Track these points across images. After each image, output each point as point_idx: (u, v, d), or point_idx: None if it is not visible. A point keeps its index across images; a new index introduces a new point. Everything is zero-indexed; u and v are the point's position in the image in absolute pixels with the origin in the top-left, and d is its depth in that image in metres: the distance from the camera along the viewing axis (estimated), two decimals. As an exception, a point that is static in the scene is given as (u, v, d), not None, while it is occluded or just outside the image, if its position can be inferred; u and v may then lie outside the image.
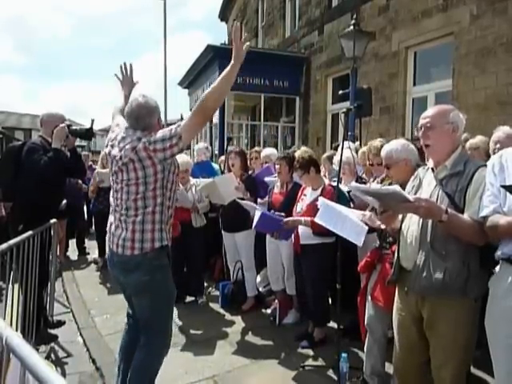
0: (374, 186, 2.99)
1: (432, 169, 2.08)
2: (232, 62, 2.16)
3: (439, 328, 1.98)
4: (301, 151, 3.68)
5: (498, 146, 2.92)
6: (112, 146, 2.36)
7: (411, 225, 2.06)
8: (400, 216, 2.14)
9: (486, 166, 1.93)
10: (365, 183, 3.54)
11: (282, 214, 3.65)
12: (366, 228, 2.59)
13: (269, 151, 5.03)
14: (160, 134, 2.19)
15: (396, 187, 1.89)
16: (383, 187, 2.27)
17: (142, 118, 2.29)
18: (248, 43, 2.16)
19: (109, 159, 2.38)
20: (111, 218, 2.40)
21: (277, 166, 3.96)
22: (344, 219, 2.69)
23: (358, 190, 2.23)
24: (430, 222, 1.95)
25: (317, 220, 2.89)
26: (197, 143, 11.65)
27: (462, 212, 1.89)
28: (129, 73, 2.80)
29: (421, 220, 1.99)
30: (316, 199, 3.39)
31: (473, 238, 1.86)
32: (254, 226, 3.58)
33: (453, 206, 1.90)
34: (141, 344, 2.42)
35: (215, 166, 5.76)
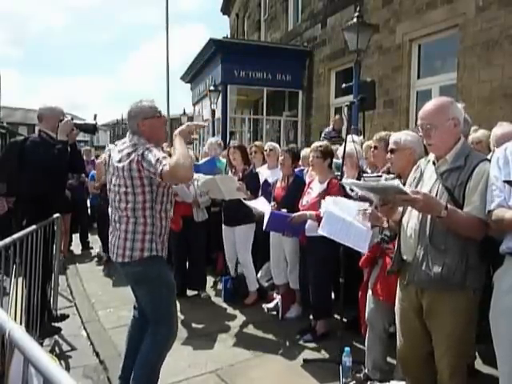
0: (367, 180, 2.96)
1: (433, 162, 2.07)
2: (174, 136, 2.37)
3: (438, 319, 1.99)
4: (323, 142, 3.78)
5: (494, 148, 2.89)
6: (113, 149, 2.48)
7: (411, 218, 2.06)
8: (400, 208, 2.14)
9: (487, 160, 1.92)
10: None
11: (284, 210, 3.65)
12: (371, 232, 2.58)
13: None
14: (152, 157, 2.23)
15: (395, 181, 1.88)
16: (381, 182, 2.25)
17: (128, 121, 2.46)
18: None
19: (108, 160, 2.50)
20: (110, 225, 2.50)
21: (280, 158, 3.96)
22: (348, 225, 2.68)
23: (355, 186, 2.22)
24: (429, 216, 1.95)
25: (320, 232, 2.89)
26: (203, 140, 11.67)
27: (461, 206, 1.88)
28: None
29: (420, 214, 1.99)
30: (322, 193, 3.38)
31: (471, 233, 1.85)
32: (265, 226, 3.59)
33: (452, 201, 1.89)
34: (148, 332, 2.47)
35: (223, 160, 5.70)
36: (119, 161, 2.32)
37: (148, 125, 2.39)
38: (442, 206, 1.81)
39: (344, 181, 3.03)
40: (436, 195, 1.93)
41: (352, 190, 3.48)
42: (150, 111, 2.42)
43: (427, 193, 1.90)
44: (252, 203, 3.84)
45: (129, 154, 2.29)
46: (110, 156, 2.48)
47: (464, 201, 1.89)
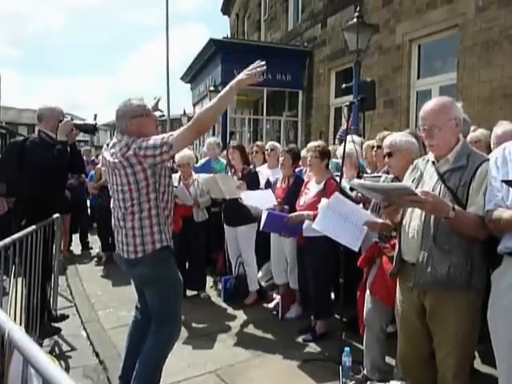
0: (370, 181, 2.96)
1: (433, 162, 2.06)
2: (233, 83, 2.21)
3: (442, 320, 1.98)
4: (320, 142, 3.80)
5: (494, 146, 2.89)
6: (105, 150, 2.45)
7: (413, 219, 2.04)
8: (401, 209, 2.13)
9: (489, 160, 1.91)
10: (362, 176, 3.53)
11: (286, 207, 3.65)
12: (365, 232, 2.59)
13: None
14: (152, 140, 2.23)
15: (406, 183, 1.88)
16: (391, 183, 2.25)
17: (116, 121, 2.41)
18: (259, 79, 2.21)
19: (104, 162, 2.46)
20: (113, 224, 2.49)
21: (281, 159, 3.96)
22: (343, 222, 2.68)
23: (361, 187, 2.21)
24: (432, 217, 1.94)
25: (313, 226, 2.89)
26: (203, 140, 11.66)
27: (464, 207, 1.88)
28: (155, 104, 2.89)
29: (423, 214, 1.98)
30: (319, 193, 3.38)
31: (476, 233, 1.85)
32: (262, 227, 3.59)
33: (455, 201, 1.88)
34: (151, 331, 2.47)
35: (222, 160, 5.69)
36: (115, 161, 2.29)
37: (136, 124, 2.35)
38: (449, 207, 1.80)
39: (352, 182, 3.03)
40: (438, 195, 1.92)
41: (352, 190, 3.48)
42: (138, 109, 2.38)
43: (436, 194, 1.89)
44: (252, 198, 3.82)
45: (123, 154, 2.26)
46: (103, 158, 2.46)
47: (467, 201, 1.89)
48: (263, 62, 2.23)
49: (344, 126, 7.49)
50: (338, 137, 6.60)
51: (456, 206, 1.82)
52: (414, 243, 2.01)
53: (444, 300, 1.95)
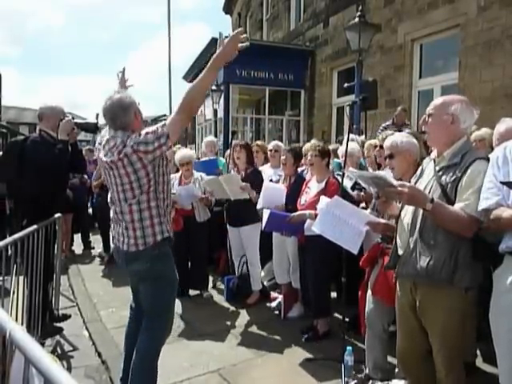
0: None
1: (434, 159, 2.09)
2: (217, 57, 2.13)
3: (430, 315, 2.00)
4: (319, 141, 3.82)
5: (497, 142, 2.87)
6: (99, 150, 2.39)
7: (407, 213, 2.08)
8: (399, 203, 2.16)
9: (483, 158, 1.92)
10: None
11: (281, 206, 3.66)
12: (364, 235, 2.60)
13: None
14: (149, 135, 2.17)
15: (382, 172, 1.90)
16: (372, 172, 2.28)
17: (118, 116, 2.28)
18: (246, 44, 2.13)
19: (99, 163, 2.42)
20: (111, 216, 2.46)
21: (282, 158, 3.95)
22: (343, 225, 2.67)
23: (352, 175, 2.26)
24: (421, 211, 1.96)
25: (313, 228, 2.88)
26: (201, 140, 11.66)
27: (454, 203, 1.88)
28: (121, 76, 2.82)
29: (414, 209, 2.01)
30: (320, 192, 3.38)
31: (459, 229, 1.85)
32: (263, 227, 3.58)
33: (444, 197, 1.90)
34: (143, 328, 2.45)
35: (221, 159, 5.70)
36: (113, 159, 2.23)
37: (139, 115, 2.36)
38: (427, 200, 1.83)
39: (348, 171, 3.03)
40: (429, 191, 1.95)
41: (353, 190, 3.48)
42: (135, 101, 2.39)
43: (413, 185, 1.94)
44: (268, 191, 3.81)
45: (120, 151, 2.21)
46: (98, 157, 2.41)
47: (456, 197, 1.89)
48: (241, 29, 2.18)
49: (388, 122, 6.92)
50: (379, 131, 6.50)
51: (436, 200, 1.85)
52: (405, 236, 2.05)
53: (430, 295, 1.97)
